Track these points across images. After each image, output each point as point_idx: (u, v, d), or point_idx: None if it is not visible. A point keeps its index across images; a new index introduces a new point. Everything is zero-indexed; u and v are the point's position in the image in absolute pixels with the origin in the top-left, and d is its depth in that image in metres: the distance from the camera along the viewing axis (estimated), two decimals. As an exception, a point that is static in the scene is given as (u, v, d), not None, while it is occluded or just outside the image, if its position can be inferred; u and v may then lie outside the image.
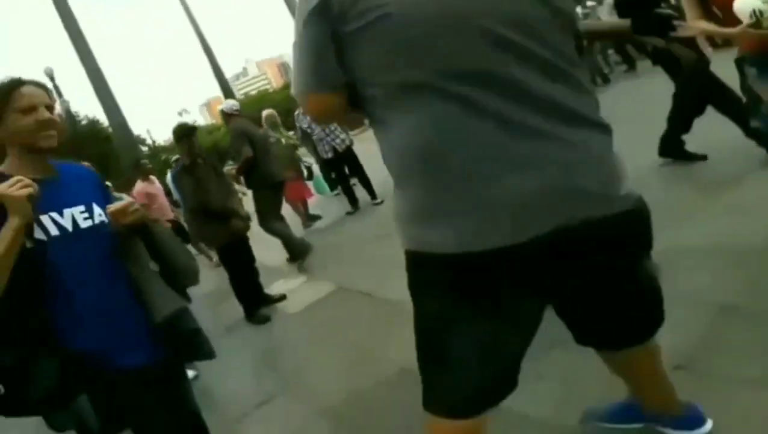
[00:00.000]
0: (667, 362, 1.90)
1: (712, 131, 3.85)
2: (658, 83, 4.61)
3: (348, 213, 6.85)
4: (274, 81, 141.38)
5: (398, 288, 3.47)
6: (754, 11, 2.37)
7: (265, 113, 7.16)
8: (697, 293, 2.28)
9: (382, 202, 6.42)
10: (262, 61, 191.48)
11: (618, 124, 1.26)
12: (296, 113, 7.07)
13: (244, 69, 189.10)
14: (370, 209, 6.56)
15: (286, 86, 52.45)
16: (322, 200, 7.91)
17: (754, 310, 2.06)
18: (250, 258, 4.55)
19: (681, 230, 2.80)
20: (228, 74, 39.57)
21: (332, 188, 7.83)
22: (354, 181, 7.16)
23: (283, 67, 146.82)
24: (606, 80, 10.12)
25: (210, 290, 5.29)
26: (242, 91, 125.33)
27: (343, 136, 6.77)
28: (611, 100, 5.63)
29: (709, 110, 3.83)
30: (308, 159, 7.54)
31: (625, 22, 2.09)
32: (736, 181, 3.24)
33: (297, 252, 5.33)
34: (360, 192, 6.87)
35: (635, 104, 6.09)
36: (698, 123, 3.91)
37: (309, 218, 7.18)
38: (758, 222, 2.65)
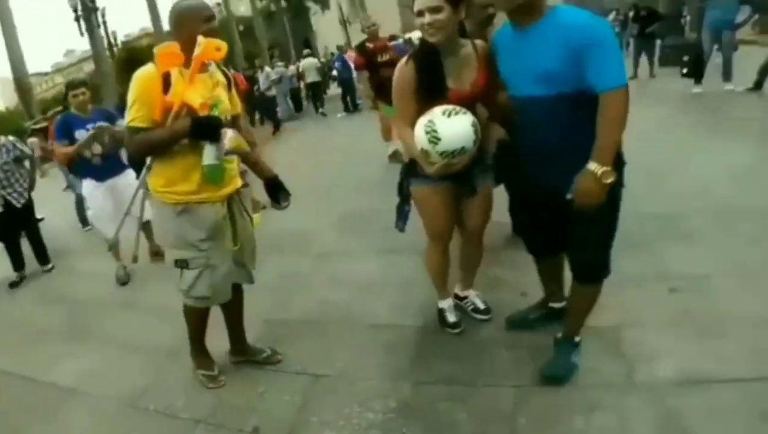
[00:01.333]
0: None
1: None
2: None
3: (12, 284, 5.36)
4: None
5: (64, 370, 3.33)
6: (422, 148, 2.36)
7: None
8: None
9: (52, 268, 5.60)
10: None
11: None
12: None
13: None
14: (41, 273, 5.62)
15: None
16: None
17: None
18: None
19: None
20: None
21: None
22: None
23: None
24: None
25: None
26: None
27: (21, 189, 5.38)
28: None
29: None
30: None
31: None
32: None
33: None
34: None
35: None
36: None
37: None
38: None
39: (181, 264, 2.53)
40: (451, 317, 2.91)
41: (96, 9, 18.95)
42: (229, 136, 2.47)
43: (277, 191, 2.73)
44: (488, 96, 2.41)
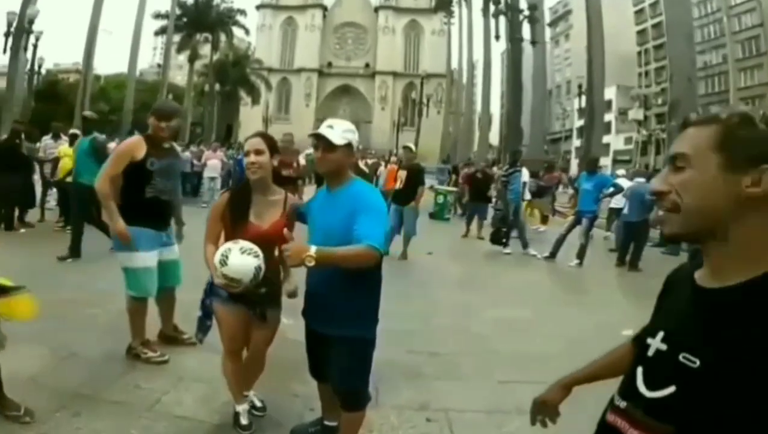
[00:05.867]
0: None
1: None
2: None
3: None
4: None
5: None
6: (214, 263, 2.76)
7: None
8: None
9: None
10: None
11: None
12: None
13: None
14: None
15: None
16: None
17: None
18: None
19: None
20: None
21: None
22: None
23: None
24: None
25: None
26: None
27: None
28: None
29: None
30: None
31: None
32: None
33: None
34: None
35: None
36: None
37: None
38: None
39: None
40: (244, 420, 3.17)
41: (30, 32, 18.66)
42: None
43: None
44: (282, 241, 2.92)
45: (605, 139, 43.91)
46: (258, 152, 2.91)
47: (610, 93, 47.16)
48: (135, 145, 3.96)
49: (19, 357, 3.81)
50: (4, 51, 17.60)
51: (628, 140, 55.65)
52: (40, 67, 28.49)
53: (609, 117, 51.98)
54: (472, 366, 4.50)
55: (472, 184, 12.38)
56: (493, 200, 11.83)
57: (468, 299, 6.48)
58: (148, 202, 3.91)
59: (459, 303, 6.22)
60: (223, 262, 2.61)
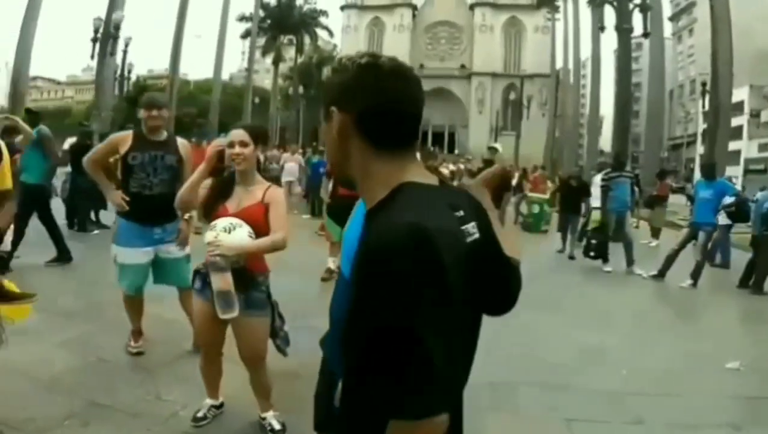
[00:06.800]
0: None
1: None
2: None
3: None
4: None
5: None
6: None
7: None
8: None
9: None
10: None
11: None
12: None
13: None
14: None
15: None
16: None
17: None
18: None
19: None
20: None
21: None
22: None
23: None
24: None
25: None
26: None
27: None
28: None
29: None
30: None
31: None
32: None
33: None
34: None
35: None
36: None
37: None
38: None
39: None
40: (199, 413, 3.31)
41: (116, 37, 20.09)
42: None
43: None
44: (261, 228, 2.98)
45: (735, 145, 40.36)
46: (242, 144, 2.99)
47: (741, 93, 43.17)
48: (120, 138, 4.19)
49: (46, 358, 3.99)
50: (92, 56, 19.25)
51: (763, 147, 50.48)
52: (129, 72, 30.78)
53: (741, 121, 47.54)
54: (535, 399, 4.13)
55: (564, 192, 11.71)
56: (584, 208, 11.10)
57: (547, 321, 6.01)
58: (132, 197, 4.09)
59: (533, 326, 5.72)
60: (230, 230, 2.83)
